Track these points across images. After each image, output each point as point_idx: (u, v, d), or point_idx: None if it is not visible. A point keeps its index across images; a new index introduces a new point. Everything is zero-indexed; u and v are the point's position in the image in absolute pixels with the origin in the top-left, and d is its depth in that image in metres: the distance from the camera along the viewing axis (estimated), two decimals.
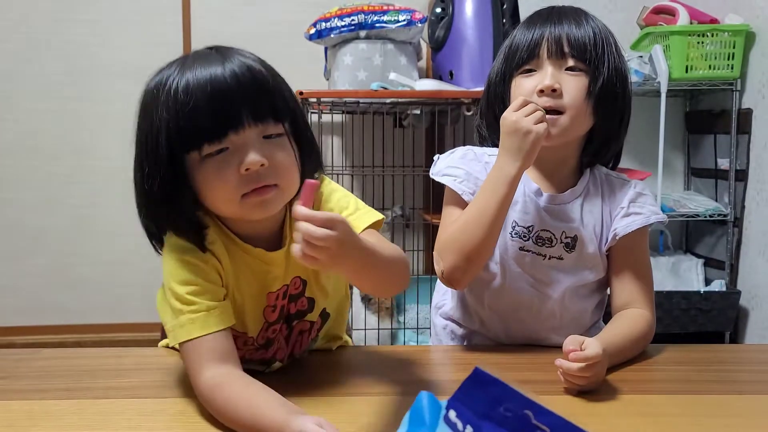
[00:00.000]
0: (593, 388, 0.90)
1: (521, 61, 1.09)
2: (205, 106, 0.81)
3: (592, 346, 0.89)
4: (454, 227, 1.07)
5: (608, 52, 1.09)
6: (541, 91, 1.05)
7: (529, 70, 1.09)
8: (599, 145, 1.14)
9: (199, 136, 0.81)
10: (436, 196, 1.07)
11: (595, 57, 1.07)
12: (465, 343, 1.19)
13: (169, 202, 0.86)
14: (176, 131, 0.82)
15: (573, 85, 1.06)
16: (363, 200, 0.98)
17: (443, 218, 1.15)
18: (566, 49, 1.06)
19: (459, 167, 1.14)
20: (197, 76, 0.82)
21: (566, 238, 1.11)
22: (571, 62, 1.07)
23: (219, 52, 0.86)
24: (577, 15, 1.10)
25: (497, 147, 1.18)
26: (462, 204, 1.11)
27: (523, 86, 1.08)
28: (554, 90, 1.05)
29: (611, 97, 1.09)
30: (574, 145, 1.13)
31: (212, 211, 0.89)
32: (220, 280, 0.89)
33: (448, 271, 1.06)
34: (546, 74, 1.06)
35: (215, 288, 0.87)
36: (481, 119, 1.20)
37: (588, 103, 1.07)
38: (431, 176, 1.16)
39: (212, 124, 0.81)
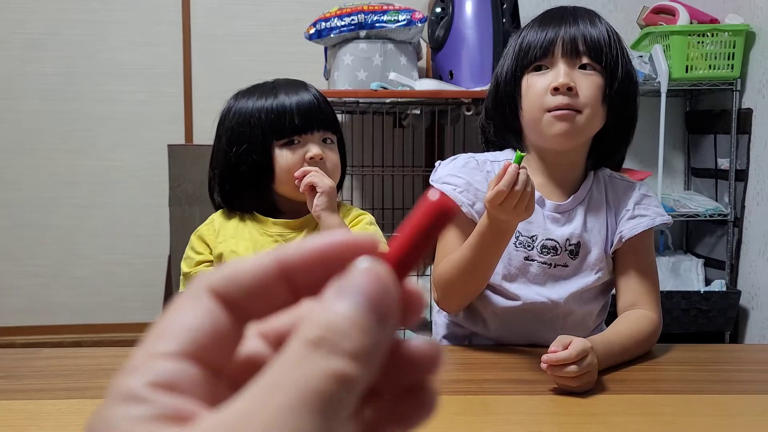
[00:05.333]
0: (585, 388, 0.90)
1: (534, 58, 1.07)
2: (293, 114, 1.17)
3: (573, 346, 0.88)
4: (448, 264, 1.06)
5: (622, 55, 1.08)
6: (556, 89, 1.04)
7: (541, 68, 1.07)
8: (608, 149, 1.14)
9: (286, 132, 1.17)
10: None
11: (611, 59, 1.06)
12: (466, 343, 1.18)
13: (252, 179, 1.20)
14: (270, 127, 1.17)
15: (587, 84, 1.05)
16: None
17: (441, 237, 1.13)
18: (581, 47, 1.05)
19: (459, 176, 1.12)
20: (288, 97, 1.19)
21: (570, 245, 1.10)
22: (585, 60, 1.06)
23: (298, 83, 1.22)
24: (591, 16, 1.09)
25: (503, 150, 1.17)
26: (460, 218, 1.10)
27: (536, 85, 1.07)
28: (569, 88, 1.04)
29: (624, 101, 1.09)
30: (584, 148, 1.12)
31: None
32: (207, 248, 1.22)
33: (441, 302, 1.13)
34: (560, 72, 1.04)
35: (199, 256, 1.21)
36: (487, 121, 1.18)
37: (603, 103, 1.06)
38: (431, 183, 1.15)
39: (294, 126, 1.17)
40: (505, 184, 0.90)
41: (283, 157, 1.18)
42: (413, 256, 0.24)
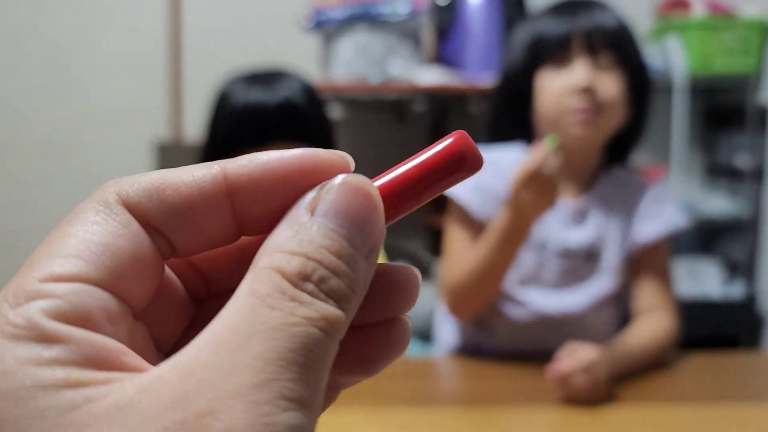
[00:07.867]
0: (595, 399, 0.86)
1: (550, 53, 1.03)
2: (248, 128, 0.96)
3: (579, 356, 0.86)
4: (461, 268, 1.02)
5: (638, 50, 1.06)
6: (578, 90, 0.99)
7: (558, 65, 1.02)
8: (625, 146, 1.11)
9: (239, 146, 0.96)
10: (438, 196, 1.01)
11: (631, 54, 1.04)
12: (474, 353, 1.12)
13: None
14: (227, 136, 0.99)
15: (609, 84, 1.01)
16: None
17: (448, 239, 1.09)
18: (601, 45, 1.01)
19: None
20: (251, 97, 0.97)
21: (584, 248, 1.07)
22: (605, 59, 1.02)
23: (274, 80, 0.99)
24: (604, 9, 1.06)
25: (512, 143, 1.12)
26: (467, 219, 1.06)
27: (553, 84, 1.02)
28: (591, 90, 0.99)
29: (642, 97, 1.06)
30: (600, 146, 1.09)
31: None
32: None
33: (454, 309, 1.07)
34: (580, 72, 1.00)
35: None
36: (495, 116, 1.14)
37: (623, 102, 1.03)
38: None
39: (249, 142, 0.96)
40: (538, 157, 0.89)
41: None
42: (407, 198, 0.19)
